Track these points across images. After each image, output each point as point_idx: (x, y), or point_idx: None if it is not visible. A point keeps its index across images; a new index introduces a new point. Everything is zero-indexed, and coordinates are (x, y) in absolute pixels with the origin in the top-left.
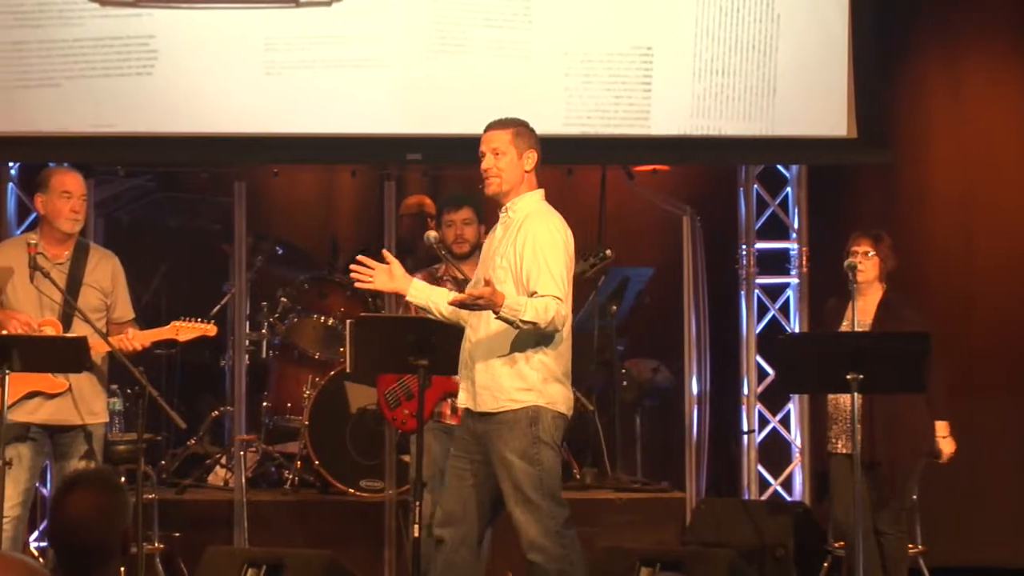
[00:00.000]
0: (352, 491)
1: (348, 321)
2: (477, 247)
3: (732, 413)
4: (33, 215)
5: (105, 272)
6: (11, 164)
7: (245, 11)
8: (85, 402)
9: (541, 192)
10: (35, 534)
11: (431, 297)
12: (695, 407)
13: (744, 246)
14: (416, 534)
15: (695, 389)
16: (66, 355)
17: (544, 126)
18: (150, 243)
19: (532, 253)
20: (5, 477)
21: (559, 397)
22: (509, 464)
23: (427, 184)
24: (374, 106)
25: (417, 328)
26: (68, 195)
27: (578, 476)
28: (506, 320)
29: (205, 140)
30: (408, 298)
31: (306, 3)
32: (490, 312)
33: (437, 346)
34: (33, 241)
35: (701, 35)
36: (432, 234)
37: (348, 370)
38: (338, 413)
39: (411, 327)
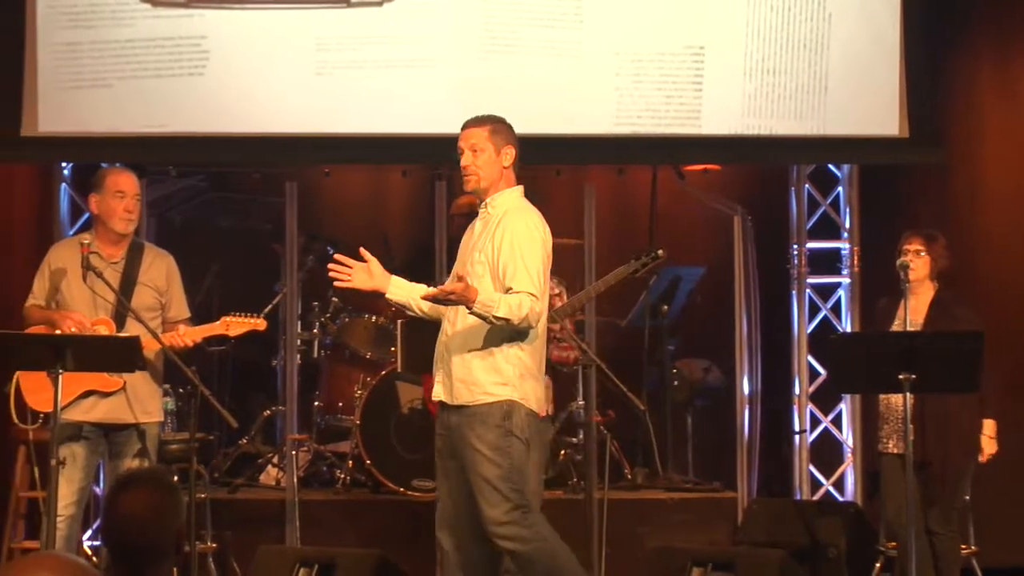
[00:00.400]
0: (403, 490)
1: (399, 321)
2: None
3: (783, 413)
4: (86, 215)
5: (160, 271)
6: (64, 164)
7: (296, 11)
8: (140, 401)
9: (520, 189)
10: (88, 533)
11: (411, 295)
12: (746, 407)
13: (795, 245)
14: None
15: (746, 389)
16: (119, 354)
17: (595, 126)
18: (202, 243)
19: (509, 249)
20: (59, 476)
21: (532, 394)
22: (478, 455)
23: None
24: (425, 106)
25: None
26: (122, 195)
27: (629, 476)
28: (479, 316)
29: (256, 140)
30: (388, 295)
31: (357, 3)
32: (460, 307)
33: None
34: (86, 241)
35: (752, 34)
36: None
37: (399, 369)
38: (389, 412)
39: None
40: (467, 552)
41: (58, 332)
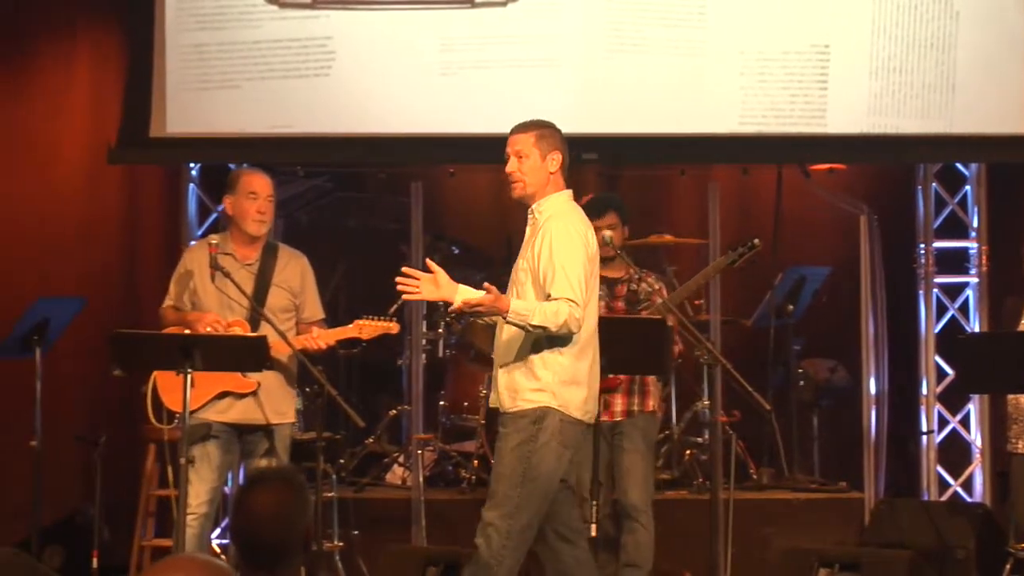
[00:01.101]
0: None
1: None
2: (622, 250)
3: (910, 413)
4: (213, 215)
5: (294, 272)
6: (192, 165)
7: (421, 12)
8: (273, 402)
9: (568, 193)
10: (217, 531)
11: None
12: (873, 407)
13: (922, 245)
14: (593, 533)
15: (873, 389)
16: (245, 354)
17: (719, 125)
18: (328, 243)
19: (549, 255)
20: (188, 475)
21: (575, 401)
22: (500, 454)
23: (603, 183)
24: (549, 106)
25: None
26: (254, 196)
27: (755, 476)
28: (515, 325)
29: (382, 140)
30: (458, 305)
31: (482, 3)
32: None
33: (611, 345)
34: (214, 241)
35: (878, 33)
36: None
37: None
38: None
39: None
40: (554, 552)
41: (187, 332)
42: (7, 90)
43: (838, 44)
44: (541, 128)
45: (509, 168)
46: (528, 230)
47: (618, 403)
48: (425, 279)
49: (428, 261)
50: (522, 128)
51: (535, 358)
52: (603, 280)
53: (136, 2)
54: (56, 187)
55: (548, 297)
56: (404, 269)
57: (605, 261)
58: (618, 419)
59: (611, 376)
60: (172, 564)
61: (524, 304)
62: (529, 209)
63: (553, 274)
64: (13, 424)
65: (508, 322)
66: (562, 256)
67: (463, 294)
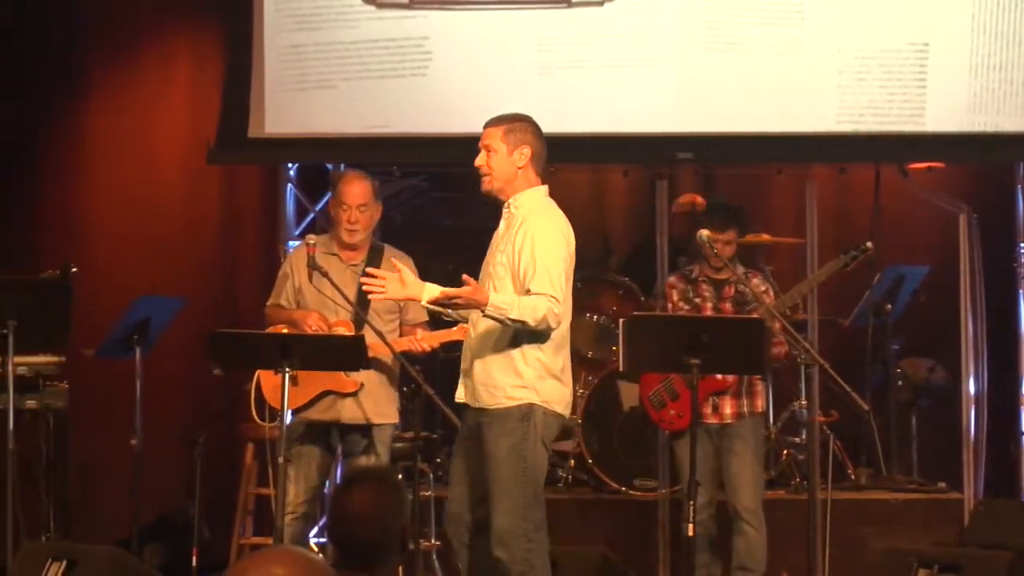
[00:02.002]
0: (625, 489)
1: (621, 320)
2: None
3: (1010, 413)
4: (311, 215)
5: None
6: (289, 165)
7: (517, 12)
8: (376, 403)
9: (544, 189)
10: (314, 530)
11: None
12: (972, 407)
13: (1022, 244)
14: (690, 533)
15: (972, 389)
16: (344, 354)
17: (816, 124)
18: (424, 243)
19: (530, 251)
20: (287, 473)
21: (555, 395)
22: (495, 458)
23: (699, 182)
24: (645, 105)
25: (690, 327)
26: (345, 207)
27: (853, 476)
28: (494, 319)
29: (478, 140)
30: (425, 303)
31: (578, 3)
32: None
33: (709, 345)
34: (312, 241)
35: (978, 30)
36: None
37: (621, 369)
38: (611, 412)
39: (684, 326)
40: (479, 553)
41: (285, 331)
42: (110, 92)
43: (937, 42)
44: (512, 122)
45: (478, 162)
46: (503, 224)
47: (728, 405)
48: (391, 278)
49: (393, 260)
50: (493, 122)
51: (515, 353)
52: (710, 282)
53: (235, 3)
54: (157, 187)
55: (527, 292)
56: (368, 270)
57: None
58: (728, 422)
59: (721, 377)
60: (270, 557)
61: (503, 298)
62: (505, 204)
63: (534, 270)
64: (114, 423)
65: (486, 315)
66: (544, 253)
67: (430, 292)
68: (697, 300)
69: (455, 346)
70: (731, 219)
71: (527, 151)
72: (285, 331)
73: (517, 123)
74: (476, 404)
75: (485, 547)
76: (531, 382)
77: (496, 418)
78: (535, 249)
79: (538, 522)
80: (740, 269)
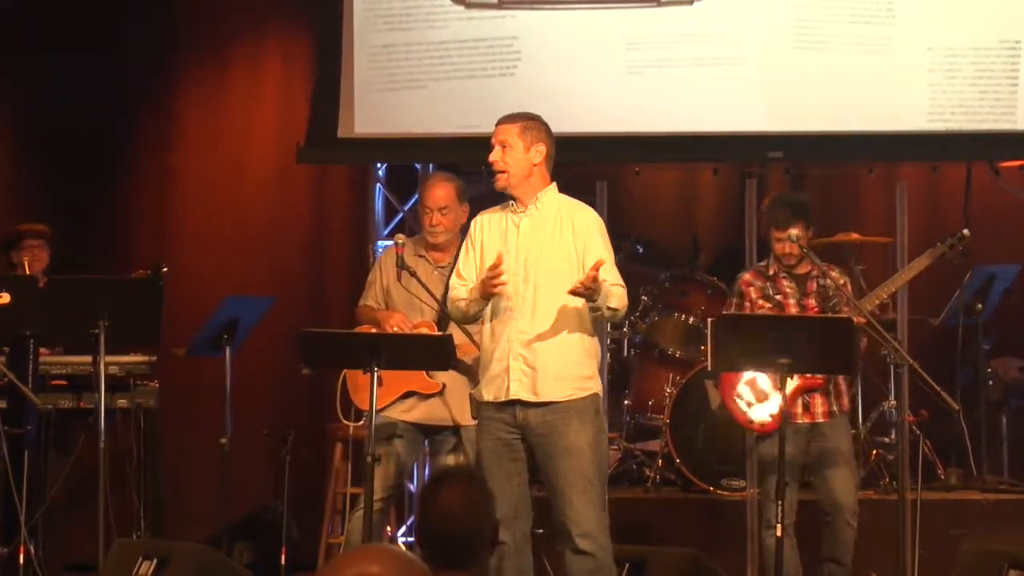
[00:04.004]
0: (713, 489)
1: (709, 320)
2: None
3: None
4: (399, 215)
5: None
6: (378, 165)
7: (606, 11)
8: (458, 404)
9: (555, 186)
10: (402, 529)
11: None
12: None
13: None
14: (779, 533)
15: None
16: (431, 354)
17: (907, 122)
18: None
19: (598, 244)
20: (374, 472)
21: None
22: (578, 452)
23: (789, 182)
24: (735, 104)
25: (779, 326)
26: (427, 210)
27: (943, 476)
28: (597, 308)
29: (567, 140)
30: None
31: (668, 2)
32: (537, 299)
33: (799, 344)
34: (400, 241)
35: None
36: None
37: (709, 368)
38: (699, 411)
39: (774, 325)
40: (523, 555)
41: (373, 330)
42: (200, 92)
43: None
44: (527, 120)
45: (492, 158)
46: (527, 221)
47: (819, 404)
48: None
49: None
50: (508, 119)
51: (585, 344)
52: (792, 277)
53: (325, 4)
54: (248, 187)
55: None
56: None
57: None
58: (820, 420)
59: (811, 376)
60: (365, 554)
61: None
62: (518, 201)
63: (608, 263)
64: (203, 423)
65: (595, 304)
66: (607, 246)
67: None
68: (778, 297)
69: None
70: (794, 214)
71: (542, 149)
72: (373, 331)
73: (531, 121)
74: (540, 398)
75: (527, 550)
76: (595, 373)
77: (573, 411)
78: (604, 242)
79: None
80: (818, 263)
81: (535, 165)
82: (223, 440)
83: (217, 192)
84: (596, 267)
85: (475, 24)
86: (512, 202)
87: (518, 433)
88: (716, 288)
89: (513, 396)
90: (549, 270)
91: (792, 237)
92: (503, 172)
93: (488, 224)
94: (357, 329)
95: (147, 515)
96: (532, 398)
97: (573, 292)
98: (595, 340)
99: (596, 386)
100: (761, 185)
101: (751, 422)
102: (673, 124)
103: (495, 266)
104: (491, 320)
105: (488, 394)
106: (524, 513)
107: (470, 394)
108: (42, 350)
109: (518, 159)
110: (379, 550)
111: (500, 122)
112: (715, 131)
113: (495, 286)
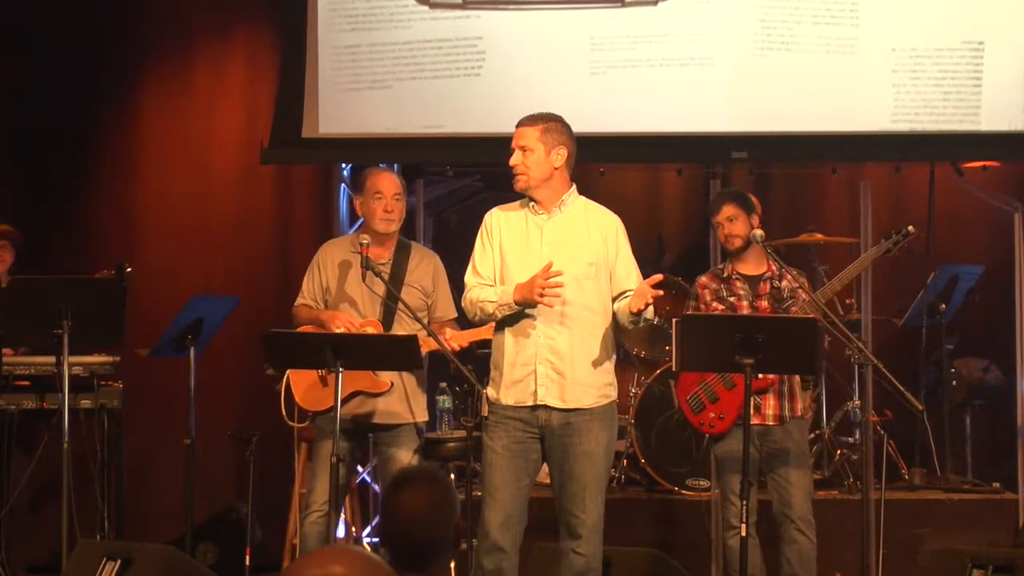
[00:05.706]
0: (677, 489)
1: (674, 319)
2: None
3: None
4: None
5: (426, 271)
6: (343, 165)
7: (571, 12)
8: (405, 402)
9: (575, 188)
10: (367, 530)
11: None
12: None
13: None
14: (743, 533)
15: None
16: (399, 354)
17: (871, 123)
18: None
19: (628, 251)
20: (323, 470)
21: None
22: (596, 457)
23: (753, 182)
24: (699, 104)
25: (744, 326)
26: (380, 195)
27: (906, 476)
28: (641, 318)
29: None
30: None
31: (632, 2)
32: (569, 307)
33: (763, 345)
34: (365, 241)
35: None
36: (759, 232)
37: (674, 368)
38: (664, 412)
39: (738, 326)
40: (516, 556)
41: (337, 331)
42: (164, 92)
43: (992, 41)
44: (548, 122)
45: (513, 161)
46: (549, 225)
47: (770, 406)
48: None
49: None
50: (528, 121)
51: (607, 351)
52: (744, 278)
53: (289, 4)
54: (212, 187)
55: (623, 292)
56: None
57: (738, 254)
58: (770, 423)
59: (762, 376)
60: (329, 555)
61: None
62: (541, 203)
63: (631, 270)
64: (168, 423)
65: (636, 314)
66: (632, 254)
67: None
68: (732, 299)
69: (487, 344)
70: (723, 198)
71: (564, 151)
72: (340, 331)
73: (552, 123)
74: (568, 404)
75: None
76: (615, 379)
77: (596, 416)
78: (629, 249)
79: None
80: (775, 263)
81: (556, 168)
82: (187, 440)
83: (181, 192)
84: (653, 282)
85: (440, 24)
86: (532, 203)
87: (537, 434)
88: (681, 288)
89: (540, 401)
90: (576, 275)
91: (730, 218)
92: (524, 175)
93: (506, 222)
94: (299, 330)
95: (111, 516)
96: (560, 404)
97: (639, 310)
98: (615, 345)
99: (615, 392)
100: (725, 185)
101: (701, 424)
102: (637, 124)
103: (551, 275)
104: (512, 323)
105: (509, 398)
106: (524, 516)
107: (478, 391)
108: (5, 350)
109: (539, 162)
110: (343, 551)
111: (520, 124)
112: (679, 131)
113: (543, 296)
